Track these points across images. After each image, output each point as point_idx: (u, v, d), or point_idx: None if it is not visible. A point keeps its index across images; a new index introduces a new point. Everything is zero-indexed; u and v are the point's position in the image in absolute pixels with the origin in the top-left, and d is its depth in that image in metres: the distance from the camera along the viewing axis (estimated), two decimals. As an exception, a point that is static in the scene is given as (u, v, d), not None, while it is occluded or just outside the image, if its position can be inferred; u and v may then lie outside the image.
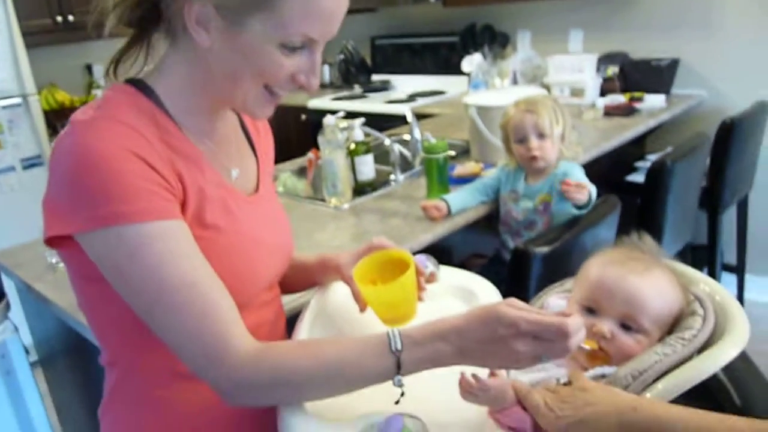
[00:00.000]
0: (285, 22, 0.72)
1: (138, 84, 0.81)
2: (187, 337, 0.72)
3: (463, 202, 1.76)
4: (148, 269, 0.71)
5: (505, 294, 1.10)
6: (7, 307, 1.73)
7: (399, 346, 0.71)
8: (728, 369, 0.80)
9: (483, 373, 0.75)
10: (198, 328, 0.71)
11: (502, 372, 0.78)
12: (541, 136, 1.67)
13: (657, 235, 2.10)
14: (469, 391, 0.74)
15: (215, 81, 0.79)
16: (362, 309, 0.99)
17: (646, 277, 0.87)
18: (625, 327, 0.86)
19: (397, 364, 0.71)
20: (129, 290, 0.73)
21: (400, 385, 0.72)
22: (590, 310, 0.88)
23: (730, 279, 2.84)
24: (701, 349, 0.81)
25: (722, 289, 0.90)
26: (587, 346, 0.84)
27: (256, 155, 0.97)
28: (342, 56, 4.13)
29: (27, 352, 1.70)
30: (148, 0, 0.78)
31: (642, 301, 0.85)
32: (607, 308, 0.87)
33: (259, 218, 0.90)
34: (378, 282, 0.94)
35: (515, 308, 0.69)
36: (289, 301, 1.12)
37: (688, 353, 0.79)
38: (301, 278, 1.09)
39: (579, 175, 1.67)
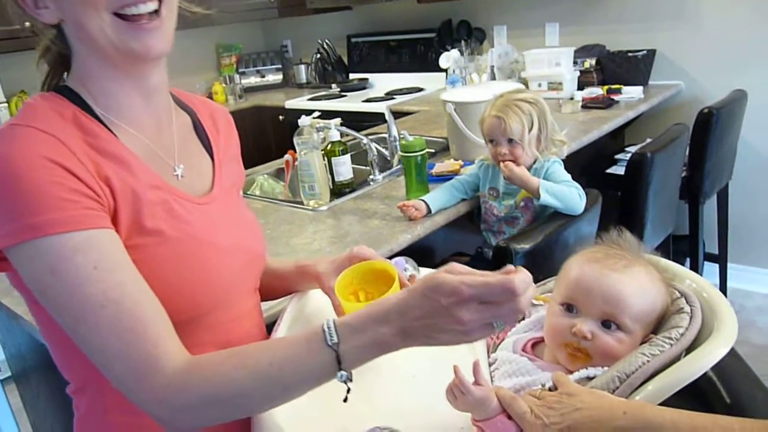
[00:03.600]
0: None
1: (63, 90, 0.78)
2: (113, 357, 0.67)
3: (443, 201, 1.73)
4: (71, 286, 0.66)
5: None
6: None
7: (335, 338, 0.65)
8: (717, 365, 0.77)
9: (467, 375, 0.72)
10: (124, 348, 0.66)
11: (486, 377, 0.75)
12: (510, 141, 1.64)
13: (639, 226, 2.09)
14: (452, 390, 0.71)
15: (86, 45, 0.75)
16: None
17: (626, 274, 0.84)
18: (606, 325, 0.83)
19: (336, 358, 0.65)
20: (53, 307, 0.68)
21: (347, 381, 0.66)
22: (570, 310, 0.86)
23: (712, 268, 2.85)
24: (689, 348, 0.78)
25: (709, 285, 0.87)
26: (538, 302, 0.82)
27: (211, 154, 0.91)
28: (318, 55, 4.09)
29: (-2, 367, 1.64)
30: (51, 43, 0.79)
31: (622, 299, 0.82)
32: (587, 307, 0.84)
33: (213, 220, 0.84)
34: (360, 294, 0.90)
35: (456, 273, 0.64)
36: (267, 308, 1.08)
37: (677, 352, 0.77)
38: (277, 285, 1.04)
39: (559, 172, 1.65)
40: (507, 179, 1.65)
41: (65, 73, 0.81)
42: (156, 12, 0.74)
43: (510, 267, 0.66)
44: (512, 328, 0.94)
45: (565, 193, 1.59)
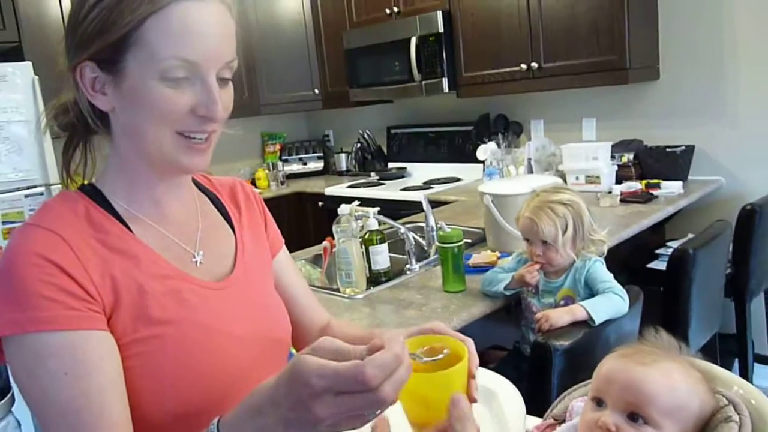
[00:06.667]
0: (154, 50, 0.72)
1: (85, 188, 0.82)
2: None
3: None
4: (41, 389, 0.69)
5: (527, 392, 1.05)
6: (12, 401, 1.68)
7: None
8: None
9: None
10: None
11: None
12: (544, 243, 1.64)
13: (683, 324, 2.03)
14: None
15: (134, 145, 0.79)
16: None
17: (653, 367, 0.82)
18: (633, 419, 0.80)
19: None
20: (28, 403, 0.71)
21: None
22: (599, 404, 0.84)
23: (763, 371, 2.71)
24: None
25: (757, 392, 0.84)
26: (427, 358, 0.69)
27: (235, 235, 0.93)
28: (359, 144, 4.23)
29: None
30: (72, 108, 0.81)
31: (645, 389, 0.80)
32: (612, 399, 0.82)
33: (228, 306, 0.84)
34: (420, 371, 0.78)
35: (320, 352, 0.56)
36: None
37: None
38: None
39: (600, 272, 1.62)
40: (551, 328, 1.54)
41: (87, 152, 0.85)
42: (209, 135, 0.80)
43: (375, 342, 0.56)
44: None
45: (612, 305, 1.56)
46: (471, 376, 0.70)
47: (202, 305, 0.81)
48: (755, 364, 2.65)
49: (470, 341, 0.73)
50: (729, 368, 0.91)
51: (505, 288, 1.69)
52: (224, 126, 0.82)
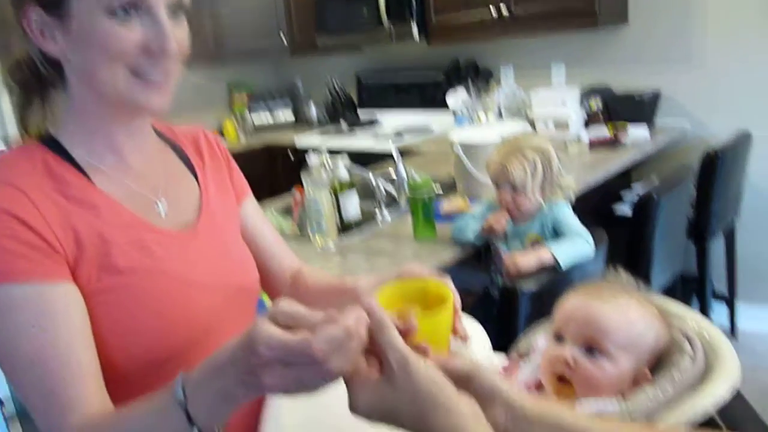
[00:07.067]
0: None
1: (44, 139, 0.81)
2: (35, 412, 0.71)
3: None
4: (7, 341, 0.70)
5: (496, 334, 1.08)
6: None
7: (181, 395, 0.61)
8: (722, 408, 0.77)
9: None
10: (43, 407, 0.70)
11: None
12: (513, 188, 1.66)
13: (646, 266, 2.09)
14: None
15: (90, 90, 0.77)
16: None
17: (610, 302, 0.86)
18: (590, 352, 0.84)
19: (188, 417, 0.61)
20: None
21: None
22: (559, 340, 0.88)
23: (721, 308, 2.83)
24: (692, 389, 0.78)
25: (711, 326, 0.88)
26: None
27: (199, 184, 0.91)
28: (328, 94, 4.17)
29: (2, 403, 1.64)
30: (25, 62, 0.79)
31: (602, 322, 0.84)
32: (571, 334, 0.86)
33: (193, 255, 0.84)
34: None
35: (278, 316, 0.57)
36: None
37: (678, 394, 0.77)
38: (315, 303, 0.98)
39: (567, 216, 1.66)
40: (518, 273, 1.58)
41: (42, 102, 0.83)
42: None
43: (331, 314, 0.56)
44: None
45: (578, 249, 1.61)
46: (456, 312, 0.72)
47: (166, 254, 0.81)
48: (715, 303, 2.76)
49: (448, 279, 0.74)
50: (689, 307, 0.95)
51: (475, 236, 1.72)
52: (185, 70, 0.80)
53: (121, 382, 0.75)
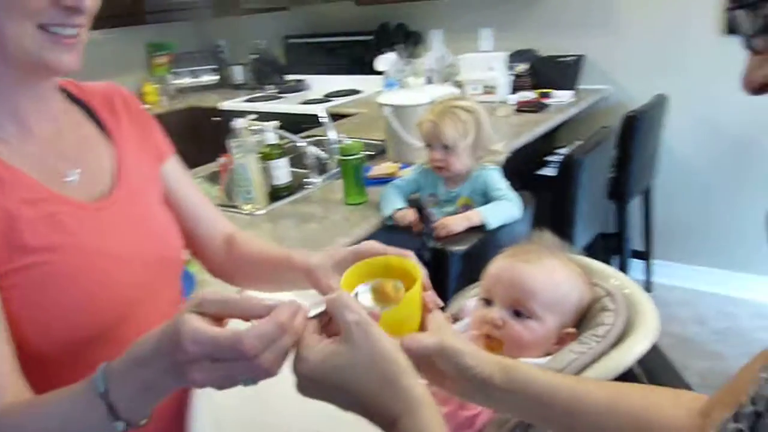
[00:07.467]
0: None
1: None
2: None
3: (401, 204, 1.73)
4: None
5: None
6: None
7: (102, 387, 0.58)
8: (641, 360, 0.81)
9: None
10: None
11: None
12: (445, 147, 1.67)
13: (569, 226, 2.17)
14: None
15: None
16: None
17: (535, 264, 0.88)
18: (517, 314, 0.86)
19: (110, 409, 0.58)
20: None
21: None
22: (487, 302, 0.90)
23: (638, 265, 2.98)
24: (615, 344, 0.82)
25: (631, 282, 0.91)
26: None
27: (114, 147, 0.85)
28: (255, 56, 4.04)
29: None
30: None
31: (528, 285, 0.86)
32: (499, 296, 0.88)
33: (110, 226, 0.78)
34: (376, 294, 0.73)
35: (204, 310, 0.55)
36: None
37: (603, 349, 0.80)
38: (253, 273, 0.94)
39: (496, 180, 1.68)
40: (449, 235, 1.61)
41: None
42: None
43: (267, 305, 0.55)
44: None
45: (506, 211, 1.64)
46: (425, 288, 0.68)
47: (80, 228, 0.75)
48: (632, 260, 2.91)
49: (411, 253, 0.71)
50: (609, 264, 0.99)
51: (386, 219, 1.71)
52: (99, 29, 0.74)
53: (44, 368, 0.70)
